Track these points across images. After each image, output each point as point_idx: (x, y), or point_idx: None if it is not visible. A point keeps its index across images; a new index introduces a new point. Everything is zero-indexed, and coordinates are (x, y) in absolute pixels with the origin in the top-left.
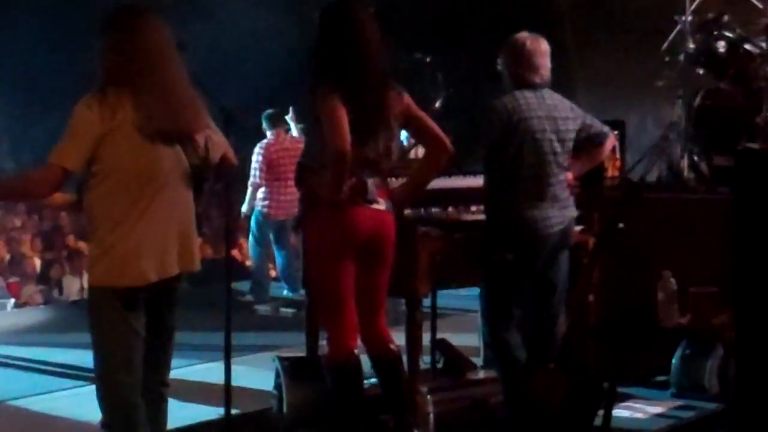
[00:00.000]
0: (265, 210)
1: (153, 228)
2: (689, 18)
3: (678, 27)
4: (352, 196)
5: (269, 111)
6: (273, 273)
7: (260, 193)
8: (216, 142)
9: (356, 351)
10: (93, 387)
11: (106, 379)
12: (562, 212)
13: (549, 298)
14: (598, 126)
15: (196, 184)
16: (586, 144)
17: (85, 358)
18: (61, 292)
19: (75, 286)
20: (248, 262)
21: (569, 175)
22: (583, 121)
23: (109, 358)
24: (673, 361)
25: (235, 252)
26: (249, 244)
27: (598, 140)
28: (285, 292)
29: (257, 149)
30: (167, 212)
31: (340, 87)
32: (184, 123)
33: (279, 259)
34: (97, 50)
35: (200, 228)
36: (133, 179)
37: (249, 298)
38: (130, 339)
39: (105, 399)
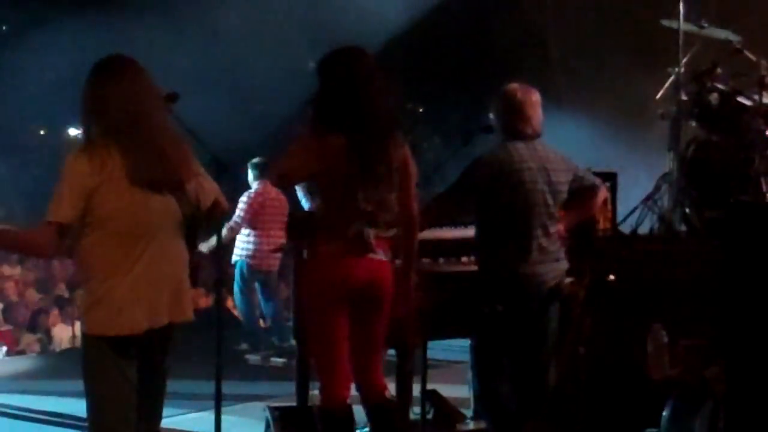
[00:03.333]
0: (250, 261)
1: (145, 277)
2: (682, 70)
3: (671, 79)
4: (350, 247)
5: (257, 160)
6: (262, 322)
7: (244, 243)
8: (207, 188)
9: (348, 401)
10: None
11: (100, 429)
12: (552, 265)
13: (539, 349)
14: (589, 178)
15: (188, 231)
16: (578, 196)
17: (76, 406)
18: (51, 340)
19: (66, 334)
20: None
21: (560, 227)
22: (575, 173)
23: (102, 408)
24: (663, 413)
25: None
26: (234, 293)
27: (589, 192)
28: (273, 339)
29: (244, 197)
30: (160, 261)
31: (344, 136)
32: (172, 172)
33: (267, 309)
34: (83, 101)
35: (196, 276)
36: (125, 229)
37: (244, 346)
38: (123, 388)
39: None
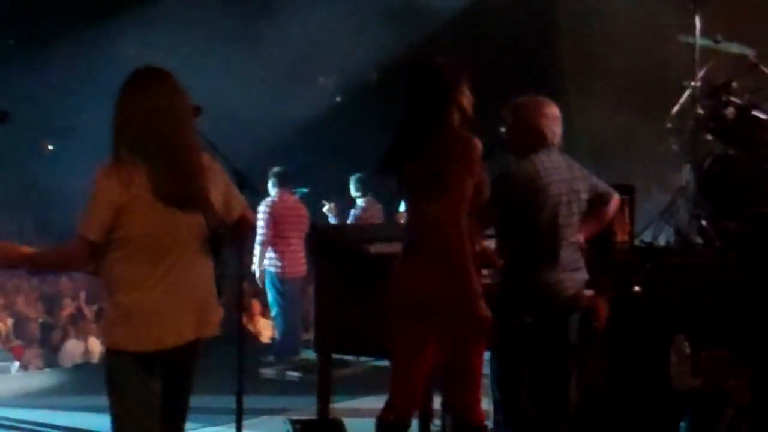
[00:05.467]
0: (280, 270)
1: (172, 293)
2: (698, 84)
3: (687, 92)
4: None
5: (278, 169)
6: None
7: (269, 253)
8: (234, 202)
9: (402, 419)
10: None
11: None
12: (573, 275)
13: (560, 360)
14: (602, 186)
15: (214, 246)
16: (592, 205)
17: (89, 421)
18: (61, 355)
19: (79, 349)
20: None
21: (580, 238)
22: (590, 182)
23: (126, 421)
24: (681, 424)
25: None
26: (270, 305)
27: (603, 200)
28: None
29: (262, 207)
30: (186, 278)
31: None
32: (197, 189)
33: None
34: (113, 115)
35: (222, 287)
36: (152, 246)
37: (270, 358)
38: (147, 403)
39: None
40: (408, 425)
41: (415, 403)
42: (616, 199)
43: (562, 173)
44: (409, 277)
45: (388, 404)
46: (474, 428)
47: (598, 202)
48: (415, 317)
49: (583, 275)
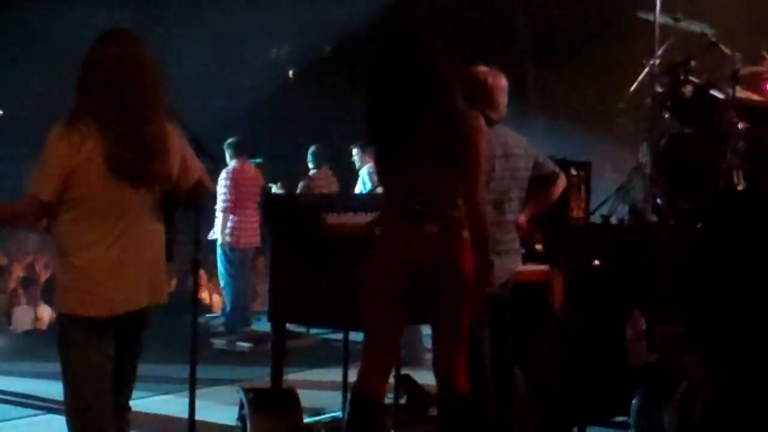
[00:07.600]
0: (233, 239)
1: (123, 260)
2: (657, 62)
3: (645, 70)
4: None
5: (233, 139)
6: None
7: (223, 222)
8: (191, 167)
9: (373, 393)
10: (48, 416)
11: (76, 406)
12: (501, 259)
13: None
14: (549, 165)
15: (167, 211)
16: (537, 184)
17: (40, 387)
18: (10, 321)
19: (29, 316)
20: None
21: (521, 218)
22: (535, 160)
23: (79, 385)
24: (633, 401)
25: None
26: (220, 275)
27: (549, 181)
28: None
29: (224, 175)
30: (138, 244)
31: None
32: (151, 157)
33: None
34: (79, 71)
35: (171, 251)
36: (102, 210)
37: (220, 329)
38: (99, 365)
39: (75, 426)
40: (383, 399)
41: (387, 377)
42: (562, 180)
43: (502, 148)
44: (408, 246)
45: (358, 377)
46: (462, 396)
47: (542, 182)
48: (405, 288)
49: (514, 261)
